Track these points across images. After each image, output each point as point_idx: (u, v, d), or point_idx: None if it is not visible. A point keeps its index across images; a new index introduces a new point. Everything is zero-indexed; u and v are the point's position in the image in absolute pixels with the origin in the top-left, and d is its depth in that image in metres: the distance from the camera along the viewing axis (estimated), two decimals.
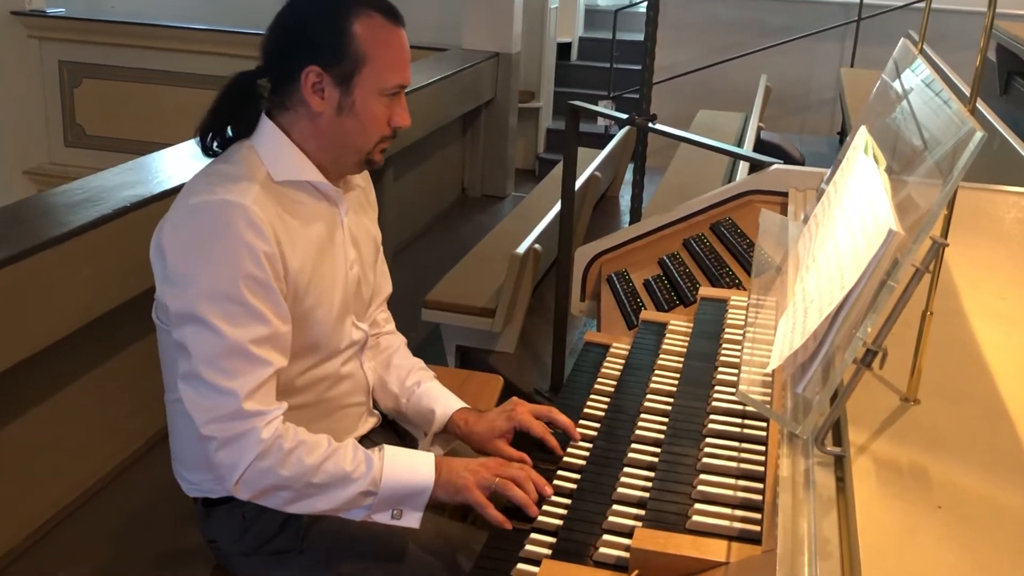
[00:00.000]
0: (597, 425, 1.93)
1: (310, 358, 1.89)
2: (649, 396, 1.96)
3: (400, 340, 2.24)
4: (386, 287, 2.21)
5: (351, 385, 2.01)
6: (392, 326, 2.25)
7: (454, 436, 2.07)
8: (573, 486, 1.75)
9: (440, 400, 2.08)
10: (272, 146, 1.83)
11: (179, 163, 3.74)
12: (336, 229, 1.92)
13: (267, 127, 1.84)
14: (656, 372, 2.06)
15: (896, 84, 2.01)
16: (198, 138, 1.88)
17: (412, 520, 1.80)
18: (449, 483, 1.79)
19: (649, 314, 2.40)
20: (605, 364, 2.21)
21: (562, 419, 1.93)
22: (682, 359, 2.09)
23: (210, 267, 1.69)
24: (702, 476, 1.59)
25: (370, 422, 2.11)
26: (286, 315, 1.77)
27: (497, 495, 1.75)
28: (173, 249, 1.73)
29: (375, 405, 2.16)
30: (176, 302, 1.73)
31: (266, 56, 1.85)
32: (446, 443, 2.11)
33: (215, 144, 1.88)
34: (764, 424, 1.71)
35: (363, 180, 2.08)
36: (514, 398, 2.03)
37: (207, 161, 1.87)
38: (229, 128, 1.88)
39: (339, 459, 1.76)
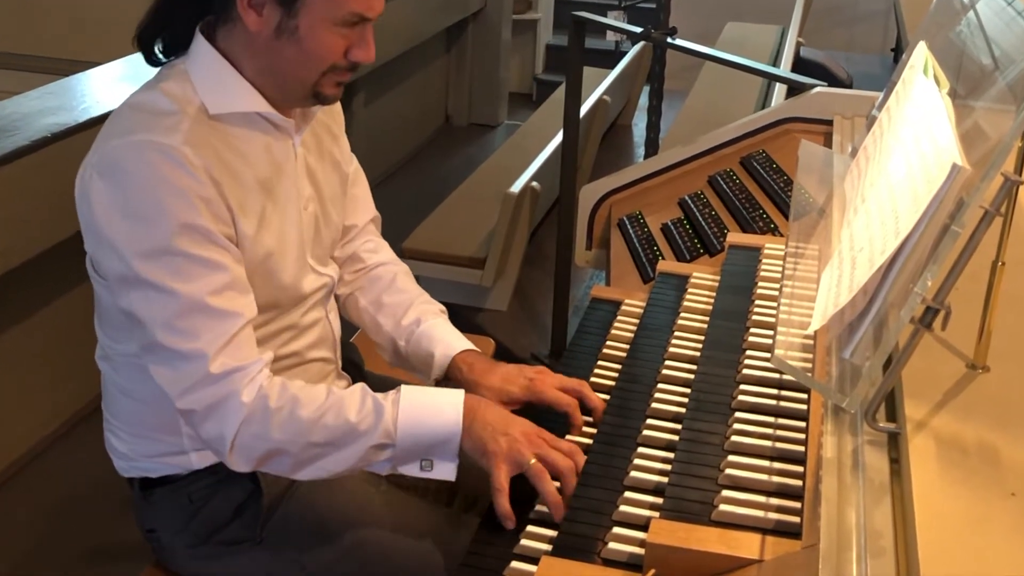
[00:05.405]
0: (606, 397, 1.93)
1: (269, 312, 1.88)
2: (668, 363, 1.97)
3: (396, 270, 2.19)
4: (359, 215, 2.17)
5: (316, 336, 2.00)
6: (384, 255, 2.21)
7: (456, 383, 2.02)
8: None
9: (441, 340, 2.05)
10: (207, 72, 1.79)
11: (109, 85, 3.72)
12: (288, 162, 1.89)
13: (201, 48, 1.80)
14: (676, 334, 2.06)
15: None
16: (138, 42, 1.84)
17: (446, 471, 1.78)
18: (480, 439, 1.75)
19: (668, 265, 2.40)
20: (615, 324, 2.21)
21: (594, 399, 1.91)
22: (707, 318, 2.09)
23: (140, 222, 1.68)
24: (730, 458, 1.59)
25: (339, 386, 2.09)
26: (239, 256, 1.76)
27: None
28: (99, 204, 1.71)
29: (345, 367, 2.15)
30: (112, 266, 1.72)
31: None
32: None
33: (160, 50, 1.84)
34: (804, 396, 1.71)
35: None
36: (540, 366, 2.00)
37: (145, 82, 1.83)
38: (172, 31, 1.83)
39: (341, 410, 1.74)
